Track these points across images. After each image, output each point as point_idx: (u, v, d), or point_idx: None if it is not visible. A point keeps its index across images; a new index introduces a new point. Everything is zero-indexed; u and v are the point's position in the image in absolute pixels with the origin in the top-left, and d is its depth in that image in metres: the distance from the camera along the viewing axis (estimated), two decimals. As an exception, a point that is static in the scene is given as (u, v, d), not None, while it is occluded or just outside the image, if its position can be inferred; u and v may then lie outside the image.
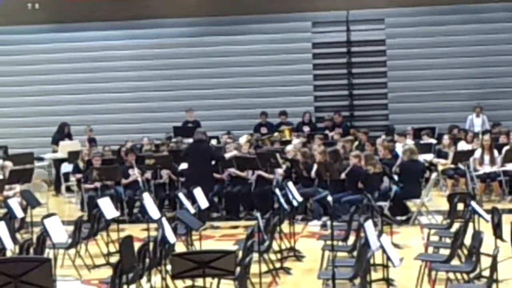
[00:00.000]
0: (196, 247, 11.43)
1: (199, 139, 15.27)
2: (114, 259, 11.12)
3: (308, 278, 10.66)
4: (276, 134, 20.01)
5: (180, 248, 10.86)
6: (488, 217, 10.18)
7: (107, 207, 11.69)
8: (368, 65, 22.20)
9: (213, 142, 19.05)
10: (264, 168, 15.39)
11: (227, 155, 15.70)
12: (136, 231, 13.30)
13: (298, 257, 11.90)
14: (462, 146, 17.81)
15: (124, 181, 15.82)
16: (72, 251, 11.62)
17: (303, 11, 22.15)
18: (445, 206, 13.00)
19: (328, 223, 13.18)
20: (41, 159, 19.85)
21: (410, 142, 17.78)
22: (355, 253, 10.14)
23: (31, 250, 9.88)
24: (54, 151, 19.76)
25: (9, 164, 16.05)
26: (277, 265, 11.13)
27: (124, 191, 15.62)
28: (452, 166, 16.94)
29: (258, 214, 10.30)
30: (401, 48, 22.00)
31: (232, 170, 15.77)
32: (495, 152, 16.63)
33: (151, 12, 22.38)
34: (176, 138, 19.21)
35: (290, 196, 12.51)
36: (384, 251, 8.55)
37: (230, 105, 22.24)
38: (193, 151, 15.23)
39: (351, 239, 11.03)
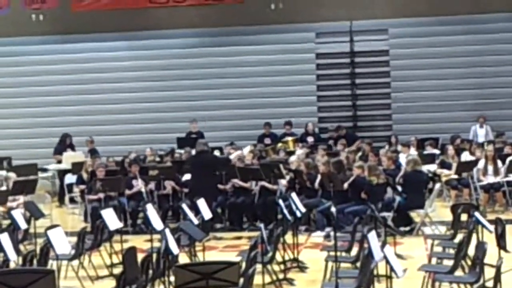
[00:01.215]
0: (200, 258, 11.42)
1: (201, 150, 15.27)
2: (117, 270, 11.10)
3: (311, 289, 10.65)
4: (279, 144, 20.01)
5: (183, 259, 10.86)
6: (492, 227, 10.16)
7: (111, 218, 11.70)
8: (371, 75, 22.22)
9: (216, 153, 19.04)
10: (267, 179, 15.39)
11: (232, 156, 15.69)
12: (140, 242, 13.26)
13: (302, 268, 11.89)
14: (466, 156, 17.78)
15: (127, 192, 15.82)
16: (75, 263, 11.62)
17: (307, 21, 22.18)
18: (448, 216, 12.98)
19: (332, 234, 13.14)
20: (45, 170, 19.86)
21: (413, 152, 17.79)
22: (358, 264, 10.14)
23: (35, 262, 9.89)
24: (58, 162, 19.77)
25: (12, 175, 16.07)
26: (281, 276, 11.12)
27: (127, 202, 15.61)
28: (456, 176, 16.92)
29: (261, 225, 10.32)
30: (404, 58, 22.02)
31: (236, 181, 15.77)
32: (499, 162, 16.60)
33: (154, 23, 22.43)
34: (185, 149, 19.15)
35: (294, 207, 12.49)
36: (387, 262, 8.53)
37: (233, 116, 22.27)
38: (196, 162, 15.23)
39: (355, 250, 11.02)
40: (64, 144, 20.20)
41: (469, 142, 18.98)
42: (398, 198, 14.41)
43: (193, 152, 17.29)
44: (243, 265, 9.59)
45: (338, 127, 21.15)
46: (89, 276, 11.62)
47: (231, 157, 15.71)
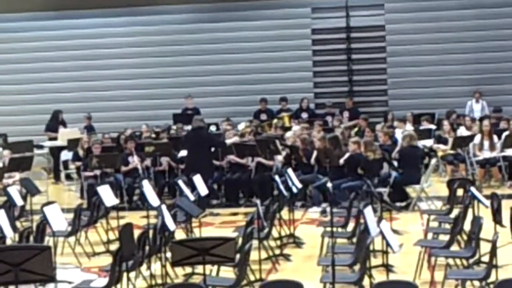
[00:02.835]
0: (196, 234, 11.44)
1: (198, 127, 15.23)
2: (114, 246, 11.12)
3: (307, 265, 10.67)
4: (275, 120, 20.00)
5: (180, 235, 10.87)
6: (488, 202, 10.18)
7: (107, 195, 11.69)
8: (367, 51, 22.15)
9: (212, 128, 19.04)
10: (263, 155, 15.38)
11: (228, 141, 15.69)
12: (136, 218, 13.30)
13: (298, 243, 11.91)
14: (462, 131, 17.79)
15: (123, 168, 15.82)
16: (72, 239, 11.64)
17: (302, -3, 22.12)
18: (444, 192, 13.01)
19: (328, 209, 13.20)
20: (41, 147, 19.82)
21: (409, 128, 17.79)
22: (354, 240, 10.17)
23: (31, 238, 9.90)
24: (50, 139, 19.71)
25: (6, 153, 16.04)
26: (277, 251, 11.14)
27: (123, 178, 15.61)
28: (452, 152, 16.93)
29: (257, 201, 10.32)
30: (400, 33, 21.95)
31: (232, 157, 15.77)
32: (495, 137, 16.61)
33: (149, -1, 22.35)
34: (176, 125, 19.18)
35: (290, 183, 12.50)
36: (383, 237, 8.56)
37: (229, 92, 22.22)
38: (192, 138, 15.20)
39: (351, 226, 11.05)
40: (56, 121, 20.10)
41: (464, 117, 18.97)
42: (394, 174, 14.42)
43: (188, 128, 17.28)
44: (240, 241, 9.63)
45: (350, 98, 21.10)
46: (85, 252, 11.65)
47: (228, 142, 15.62)
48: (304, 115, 20.77)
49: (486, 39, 21.60)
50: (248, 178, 15.54)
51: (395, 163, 14.69)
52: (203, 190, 12.63)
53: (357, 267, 8.86)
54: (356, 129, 18.36)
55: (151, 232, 9.63)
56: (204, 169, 13.94)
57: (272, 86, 21.99)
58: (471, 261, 9.36)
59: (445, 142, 17.38)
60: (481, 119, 18.26)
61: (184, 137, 16.34)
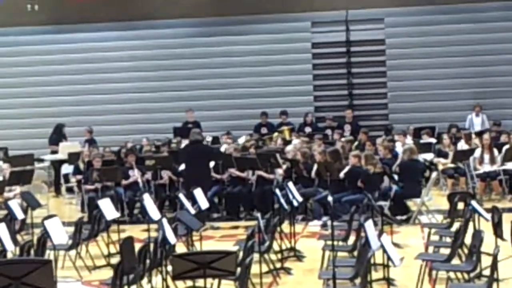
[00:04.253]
0: (197, 247, 11.43)
1: (195, 140, 15.25)
2: (114, 260, 11.11)
3: (308, 278, 10.66)
4: (275, 134, 20.02)
5: (180, 249, 10.86)
6: (489, 216, 10.17)
7: (108, 208, 11.69)
8: (367, 64, 22.21)
9: (209, 139, 19.06)
10: (264, 168, 15.39)
11: (222, 149, 15.63)
12: (137, 232, 13.30)
13: (299, 257, 11.90)
14: (462, 145, 17.81)
15: (124, 182, 15.82)
16: (72, 252, 11.62)
17: (302, 11, 22.16)
18: (445, 205, 13.01)
19: (329, 223, 13.17)
20: (41, 161, 19.84)
21: (410, 141, 17.80)
22: (355, 253, 10.14)
23: (32, 252, 9.88)
24: (53, 152, 19.75)
25: (7, 166, 16.04)
26: (278, 265, 11.13)
27: (124, 192, 15.62)
28: (452, 165, 16.94)
29: (258, 215, 10.31)
30: (400, 47, 22.01)
31: (232, 171, 15.78)
32: (495, 151, 16.62)
33: (150, 13, 22.39)
34: (176, 139, 19.19)
35: (291, 196, 12.50)
36: (384, 250, 8.54)
37: (229, 106, 22.26)
38: (190, 152, 15.20)
39: (352, 239, 11.03)
40: (60, 134, 20.15)
41: (463, 131, 18.98)
42: (394, 187, 14.43)
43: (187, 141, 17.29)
44: (240, 254, 9.61)
45: (351, 109, 21.13)
46: (86, 266, 11.63)
47: (222, 149, 15.62)
48: (308, 130, 20.76)
49: (486, 53, 21.65)
50: (249, 191, 15.55)
51: (396, 177, 14.70)
52: (203, 203, 12.63)
53: (358, 281, 8.84)
54: (356, 142, 18.36)
55: (152, 245, 9.61)
56: (202, 182, 13.89)
57: (272, 100, 22.03)
58: (472, 274, 9.34)
59: (445, 155, 17.39)
60: (481, 133, 18.27)
61: (181, 150, 16.34)
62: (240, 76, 22.35)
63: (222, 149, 15.78)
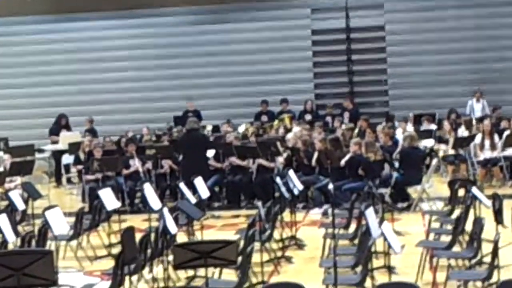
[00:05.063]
0: (198, 237, 11.45)
1: (192, 128, 15.23)
2: (115, 250, 11.13)
3: (309, 267, 10.67)
4: (276, 122, 20.01)
5: (181, 238, 10.86)
6: (489, 203, 10.17)
7: (108, 198, 11.69)
8: (367, 51, 22.17)
9: (209, 127, 19.04)
10: (264, 156, 15.38)
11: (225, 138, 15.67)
12: (138, 221, 13.27)
13: (300, 245, 11.91)
14: (463, 131, 17.78)
15: (125, 171, 15.81)
16: (73, 243, 11.65)
17: (302, -2, 22.15)
18: (446, 192, 13.00)
19: (329, 211, 13.19)
20: (42, 151, 19.83)
21: (410, 128, 17.78)
22: (356, 241, 10.16)
23: (33, 242, 9.90)
24: (53, 142, 19.74)
25: (7, 157, 16.04)
26: (279, 254, 11.15)
27: (125, 181, 15.62)
28: (453, 152, 16.92)
29: (259, 203, 10.33)
30: (400, 33, 21.96)
31: (233, 159, 15.77)
32: (496, 137, 16.59)
33: (150, 1, 22.34)
34: (177, 128, 19.18)
35: (291, 185, 12.48)
36: (385, 238, 8.55)
37: (230, 94, 22.24)
38: (187, 140, 15.18)
39: (353, 227, 11.04)
40: (60, 125, 20.13)
41: (463, 117, 18.96)
42: (395, 174, 14.42)
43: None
44: (241, 243, 9.61)
45: (349, 98, 21.06)
46: (87, 256, 11.65)
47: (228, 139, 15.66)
48: (308, 117, 20.73)
49: (486, 39, 21.60)
50: (249, 180, 15.54)
51: (396, 164, 14.69)
52: (204, 192, 12.63)
53: (359, 269, 8.86)
54: (357, 130, 18.34)
55: (153, 235, 9.63)
56: (200, 171, 13.83)
57: (272, 87, 22.00)
58: (473, 261, 9.36)
59: (446, 142, 17.37)
60: (482, 119, 18.25)
61: (178, 140, 16.30)
62: (240, 64, 22.32)
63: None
